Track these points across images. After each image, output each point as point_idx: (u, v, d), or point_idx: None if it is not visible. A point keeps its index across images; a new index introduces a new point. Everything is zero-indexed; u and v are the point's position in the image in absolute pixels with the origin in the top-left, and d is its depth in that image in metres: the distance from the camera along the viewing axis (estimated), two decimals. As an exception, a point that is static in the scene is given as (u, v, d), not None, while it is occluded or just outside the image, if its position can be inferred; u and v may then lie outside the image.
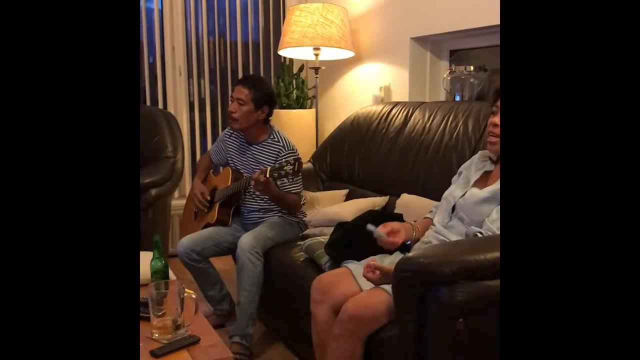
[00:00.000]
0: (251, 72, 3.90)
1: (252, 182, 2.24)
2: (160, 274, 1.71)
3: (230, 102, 2.49)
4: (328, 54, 3.35)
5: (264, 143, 2.49)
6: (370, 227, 1.73)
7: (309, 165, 3.07)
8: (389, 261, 1.77)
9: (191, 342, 1.43)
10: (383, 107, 2.87)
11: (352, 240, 1.93)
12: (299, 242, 2.36)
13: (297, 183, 2.43)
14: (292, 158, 2.23)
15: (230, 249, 2.45)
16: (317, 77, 3.41)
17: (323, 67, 3.43)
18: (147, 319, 1.50)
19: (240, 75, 3.87)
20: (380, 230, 1.74)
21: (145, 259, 1.80)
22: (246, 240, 2.27)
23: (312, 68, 3.40)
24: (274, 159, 2.44)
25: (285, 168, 2.15)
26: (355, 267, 1.79)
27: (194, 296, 1.54)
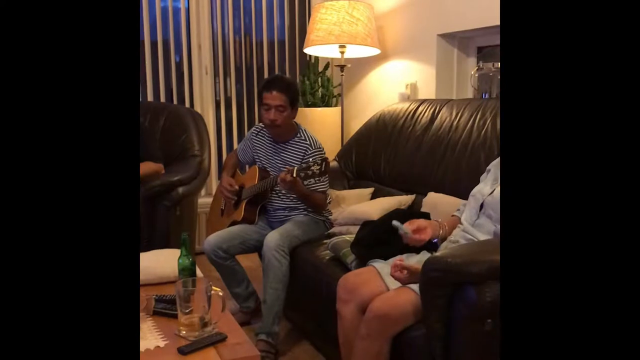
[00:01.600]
0: (277, 70, 3.90)
1: (279, 181, 2.24)
2: (187, 272, 1.73)
3: (263, 108, 2.42)
4: (354, 51, 3.33)
5: (291, 142, 2.49)
6: (395, 223, 1.71)
7: (335, 163, 3.06)
8: (416, 260, 1.75)
9: (218, 339, 1.44)
10: (409, 105, 2.85)
11: (378, 239, 1.92)
12: (325, 241, 2.36)
13: (324, 182, 2.43)
14: (319, 158, 2.22)
15: (256, 247, 2.46)
16: (342, 75, 3.40)
17: (349, 65, 3.41)
18: (175, 316, 1.52)
19: (266, 74, 3.87)
20: (406, 227, 1.72)
21: (173, 256, 1.82)
22: (272, 238, 2.28)
23: (338, 66, 3.39)
24: (300, 157, 2.44)
25: (312, 168, 2.14)
26: (382, 266, 1.78)
27: (221, 294, 1.54)
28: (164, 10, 3.56)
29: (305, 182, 2.33)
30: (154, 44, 3.55)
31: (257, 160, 2.62)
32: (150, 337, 1.46)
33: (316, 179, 2.27)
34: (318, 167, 2.14)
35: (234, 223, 2.55)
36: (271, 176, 2.48)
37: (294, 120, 2.52)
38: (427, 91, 3.09)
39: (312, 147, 2.45)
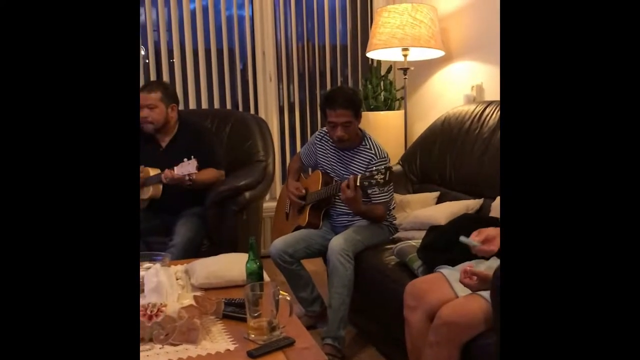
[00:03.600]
0: (339, 75, 3.91)
1: (340, 190, 2.24)
2: (255, 276, 1.75)
3: (328, 126, 2.41)
4: (417, 54, 3.30)
5: (355, 149, 2.48)
6: (462, 239, 1.66)
7: (398, 167, 3.03)
8: (485, 267, 1.70)
9: (286, 344, 1.45)
10: (476, 107, 2.78)
11: (445, 245, 1.88)
12: (390, 246, 2.33)
13: (388, 192, 2.40)
14: (383, 167, 2.19)
15: (320, 251, 2.47)
16: (405, 78, 3.36)
17: (412, 68, 3.37)
18: (244, 320, 1.54)
19: (328, 79, 3.88)
20: (474, 240, 1.66)
21: (241, 260, 1.85)
22: (336, 242, 2.28)
23: (401, 69, 3.35)
24: (365, 166, 2.42)
25: (376, 177, 2.12)
26: (450, 273, 1.74)
27: (288, 298, 1.56)
28: (229, 19, 3.65)
29: (369, 191, 2.31)
30: (219, 52, 3.64)
31: (319, 164, 2.63)
32: (220, 340, 1.49)
33: (380, 188, 2.24)
34: (382, 177, 2.11)
35: (298, 228, 2.57)
36: (334, 182, 2.48)
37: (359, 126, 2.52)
38: (494, 92, 3.01)
39: (376, 157, 2.42)
